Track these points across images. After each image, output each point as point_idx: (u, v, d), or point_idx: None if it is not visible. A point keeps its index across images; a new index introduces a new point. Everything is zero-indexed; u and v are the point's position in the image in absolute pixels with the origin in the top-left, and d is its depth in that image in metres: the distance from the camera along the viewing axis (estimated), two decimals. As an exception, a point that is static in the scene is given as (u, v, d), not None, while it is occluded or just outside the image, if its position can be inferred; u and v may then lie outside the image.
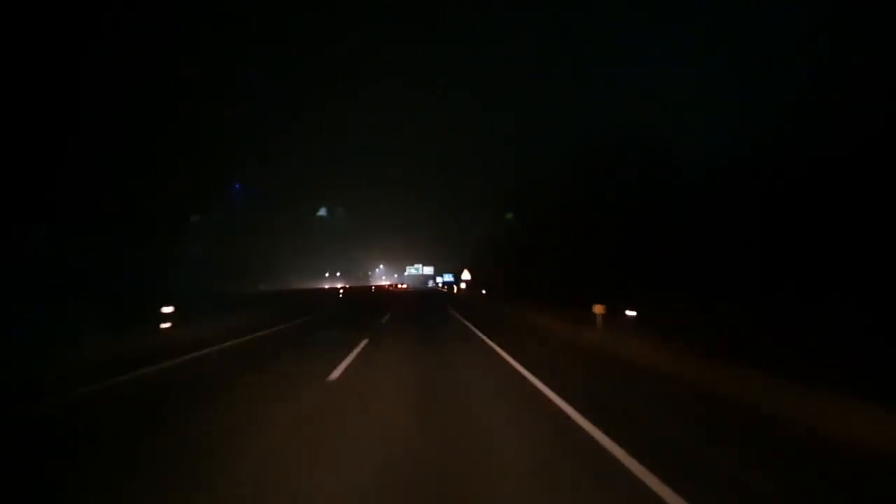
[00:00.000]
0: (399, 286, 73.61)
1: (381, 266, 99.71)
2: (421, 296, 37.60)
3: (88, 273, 19.40)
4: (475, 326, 12.00)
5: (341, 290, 38.96)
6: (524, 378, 5.75)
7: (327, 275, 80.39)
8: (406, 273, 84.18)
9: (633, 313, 8.13)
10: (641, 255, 14.70)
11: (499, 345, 8.43)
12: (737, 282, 11.01)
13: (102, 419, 4.26)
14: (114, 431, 3.88)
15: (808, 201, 9.95)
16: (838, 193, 9.39)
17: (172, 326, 9.30)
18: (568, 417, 4.11)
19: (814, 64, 12.74)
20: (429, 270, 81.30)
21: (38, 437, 3.77)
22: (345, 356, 7.21)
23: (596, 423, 3.87)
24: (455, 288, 43.69)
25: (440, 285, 63.53)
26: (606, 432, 3.64)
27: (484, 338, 9.64)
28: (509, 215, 31.97)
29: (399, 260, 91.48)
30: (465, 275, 34.97)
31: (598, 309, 8.93)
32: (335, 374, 5.94)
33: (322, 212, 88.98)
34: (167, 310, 9.32)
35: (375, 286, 63.87)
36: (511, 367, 6.45)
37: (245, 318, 13.26)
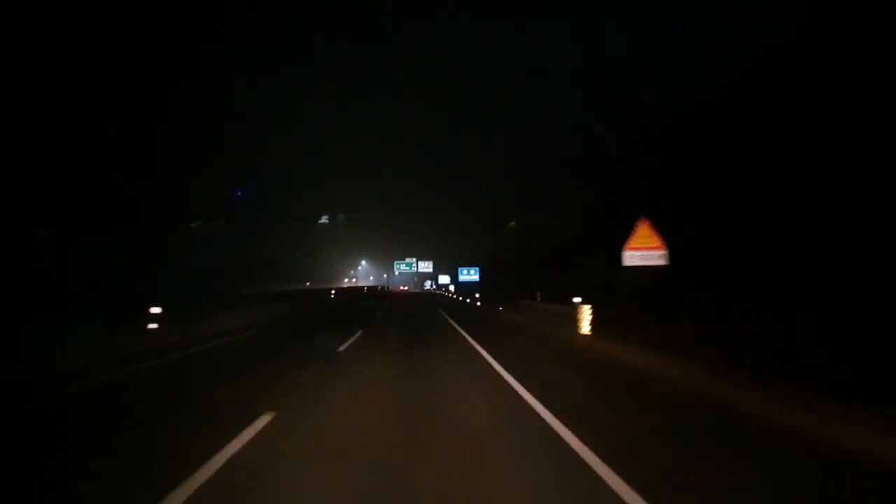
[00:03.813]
0: (402, 288, 65.14)
1: (364, 263, 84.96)
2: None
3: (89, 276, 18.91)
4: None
5: None
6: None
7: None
8: (397, 272, 57.53)
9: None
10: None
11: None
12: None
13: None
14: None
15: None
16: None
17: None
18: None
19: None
20: (426, 267, 55.21)
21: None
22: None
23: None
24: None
25: (452, 291, 42.32)
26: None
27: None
28: (512, 223, 30.51)
29: (388, 257, 69.73)
30: None
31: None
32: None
33: (324, 219, 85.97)
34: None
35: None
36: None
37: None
